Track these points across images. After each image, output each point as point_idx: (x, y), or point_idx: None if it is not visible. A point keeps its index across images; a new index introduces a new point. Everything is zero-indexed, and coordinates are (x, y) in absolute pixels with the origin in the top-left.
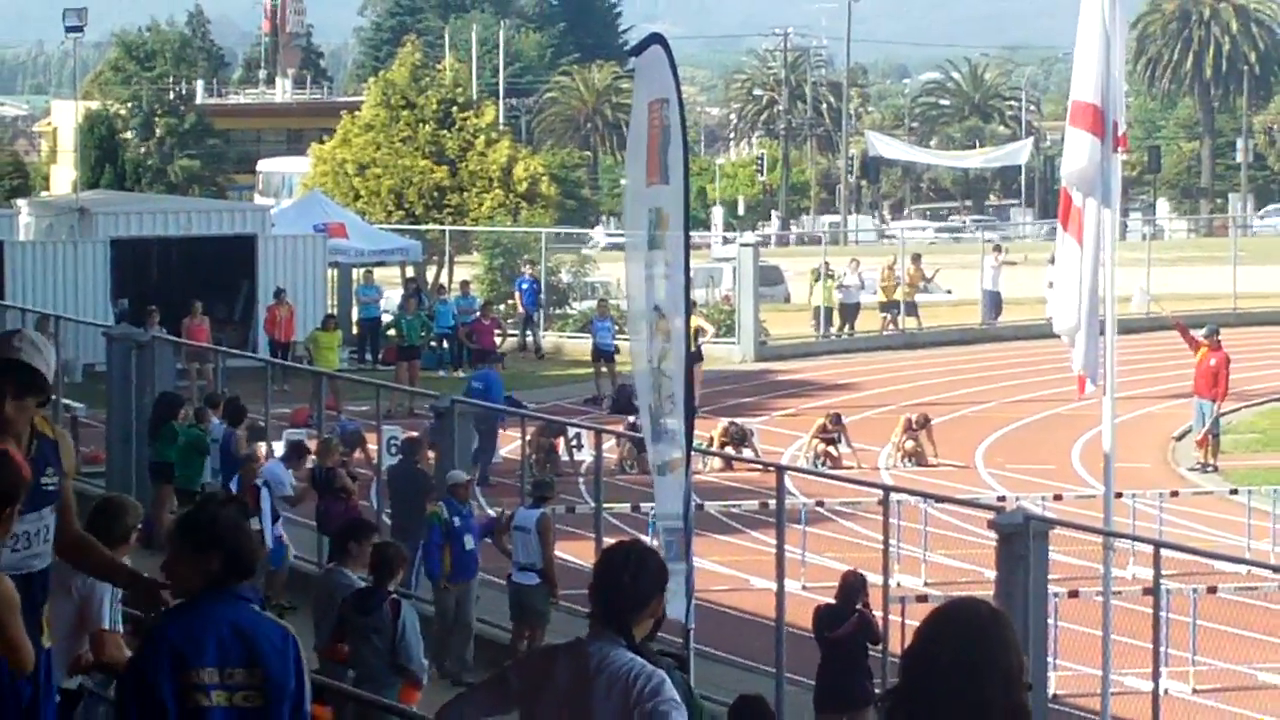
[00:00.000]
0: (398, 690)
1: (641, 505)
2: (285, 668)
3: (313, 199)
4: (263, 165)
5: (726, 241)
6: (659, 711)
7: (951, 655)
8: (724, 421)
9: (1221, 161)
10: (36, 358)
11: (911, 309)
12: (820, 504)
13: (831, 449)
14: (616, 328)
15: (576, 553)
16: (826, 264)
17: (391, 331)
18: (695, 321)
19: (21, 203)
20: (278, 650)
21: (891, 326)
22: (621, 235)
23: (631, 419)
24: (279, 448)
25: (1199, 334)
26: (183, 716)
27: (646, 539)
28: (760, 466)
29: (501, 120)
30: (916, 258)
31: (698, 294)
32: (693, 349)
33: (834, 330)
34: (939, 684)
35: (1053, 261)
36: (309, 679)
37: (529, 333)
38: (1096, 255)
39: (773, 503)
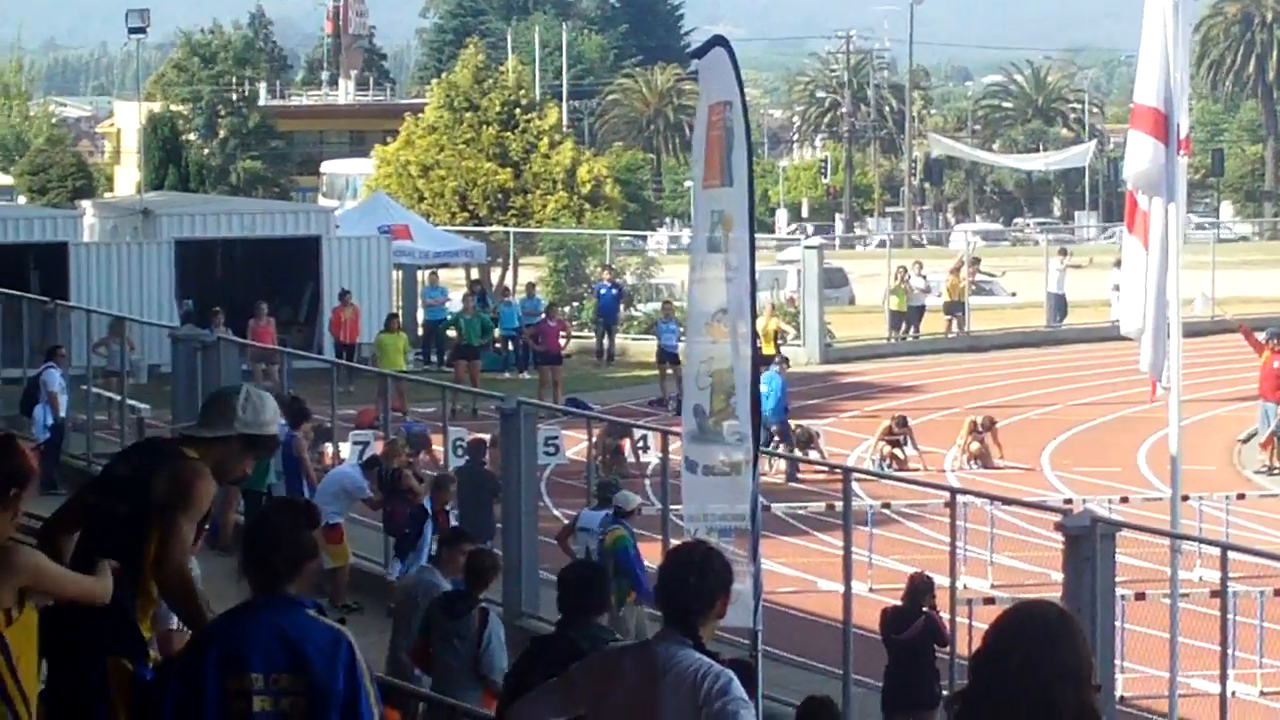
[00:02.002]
0: (478, 696)
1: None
2: (332, 671)
3: (377, 200)
4: (326, 167)
5: (780, 246)
6: (728, 711)
7: (1021, 657)
8: (791, 423)
9: None
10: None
11: (957, 308)
12: (887, 506)
13: (897, 451)
14: (681, 330)
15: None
16: (904, 269)
17: (451, 332)
18: (776, 324)
19: (86, 204)
20: (325, 654)
21: (955, 328)
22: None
23: None
24: (345, 449)
25: (1262, 336)
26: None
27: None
28: (827, 469)
29: (565, 122)
30: (975, 260)
31: (761, 296)
32: (773, 351)
33: (899, 332)
34: (1008, 686)
35: (1118, 264)
36: (368, 682)
37: (606, 338)
38: (1164, 257)
39: (839, 505)
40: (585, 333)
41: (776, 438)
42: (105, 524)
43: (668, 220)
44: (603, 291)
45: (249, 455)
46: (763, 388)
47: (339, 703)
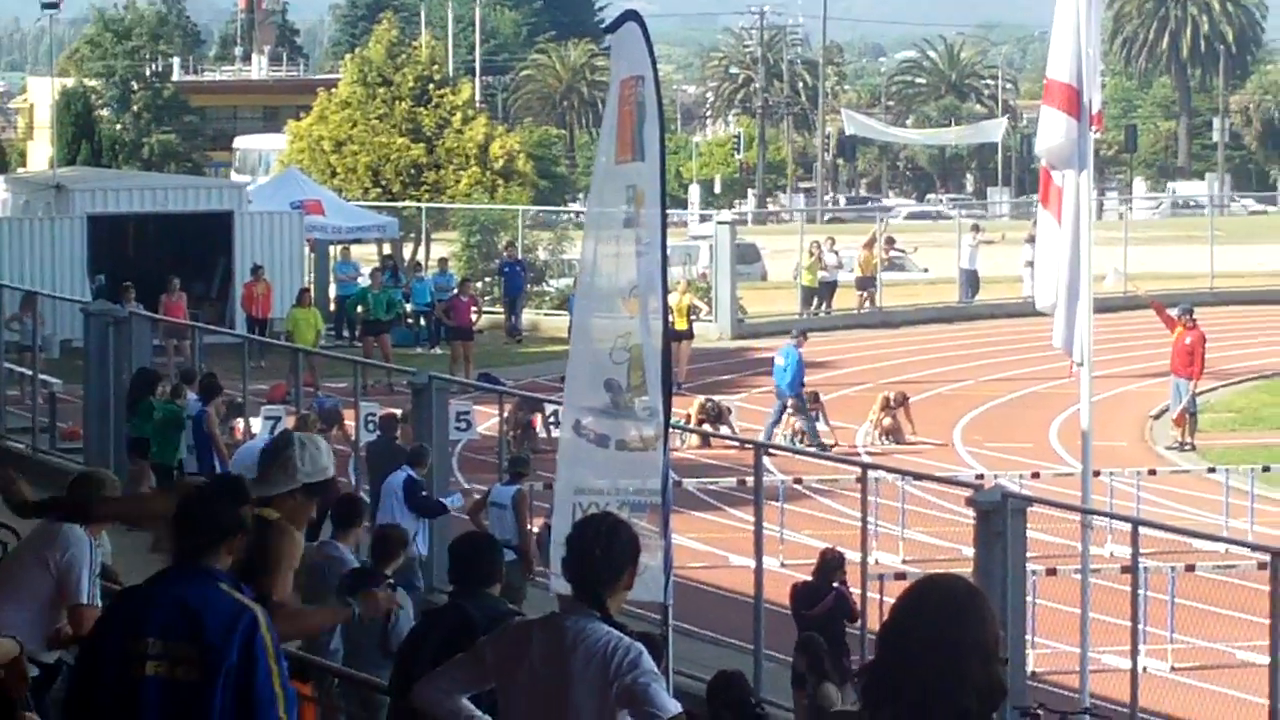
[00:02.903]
0: (388, 672)
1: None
2: (227, 641)
3: (289, 176)
4: (239, 142)
5: (703, 219)
6: (639, 684)
7: (928, 631)
8: (700, 399)
9: (1198, 141)
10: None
11: (869, 283)
12: (798, 481)
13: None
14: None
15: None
16: (817, 244)
17: (359, 308)
18: (689, 299)
19: None
20: (223, 626)
21: (868, 304)
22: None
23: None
24: (256, 424)
25: (1174, 312)
26: (121, 681)
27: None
28: (738, 444)
29: (478, 98)
30: (890, 240)
31: (674, 271)
32: (685, 326)
33: (811, 308)
34: (916, 659)
35: (1030, 240)
36: (272, 660)
37: (513, 316)
38: (1076, 232)
39: (750, 480)
40: (497, 308)
41: (791, 411)
42: None
43: (580, 195)
44: (506, 270)
45: (311, 501)
46: (780, 360)
47: (232, 675)
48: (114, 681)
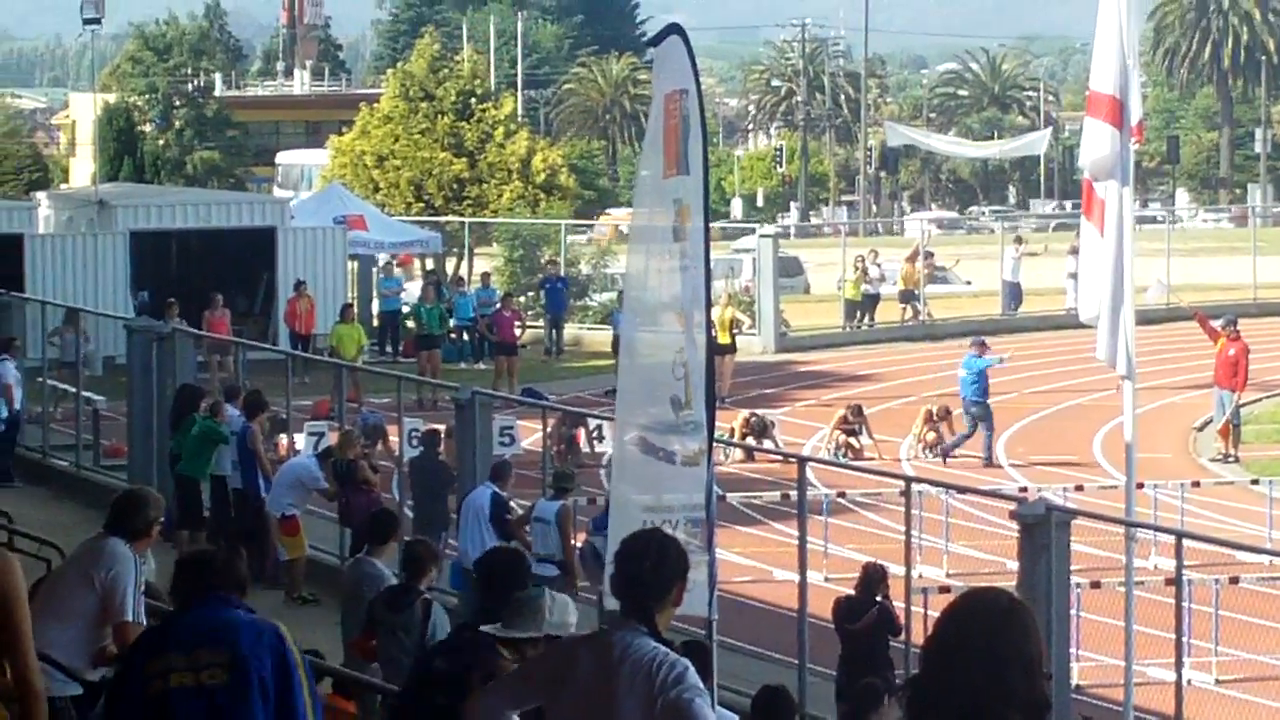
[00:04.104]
0: None
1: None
2: (257, 652)
3: (332, 191)
4: (281, 158)
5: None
6: (683, 699)
7: (972, 645)
8: (745, 413)
9: (1241, 152)
10: None
11: (911, 296)
12: (842, 495)
13: (853, 440)
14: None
15: None
16: (861, 258)
17: (411, 323)
18: (732, 313)
19: (41, 196)
20: (249, 633)
21: (912, 317)
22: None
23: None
24: (300, 440)
25: (1217, 324)
26: (147, 701)
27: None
28: (781, 458)
29: (520, 112)
30: (929, 254)
31: (717, 285)
32: (729, 340)
33: (854, 321)
34: (959, 673)
35: (1073, 252)
36: (301, 671)
37: (553, 333)
38: (1119, 244)
39: (794, 494)
40: (540, 323)
41: (974, 418)
42: (424, 712)
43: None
44: (548, 286)
45: (539, 646)
46: (962, 372)
47: (270, 687)
48: (141, 703)
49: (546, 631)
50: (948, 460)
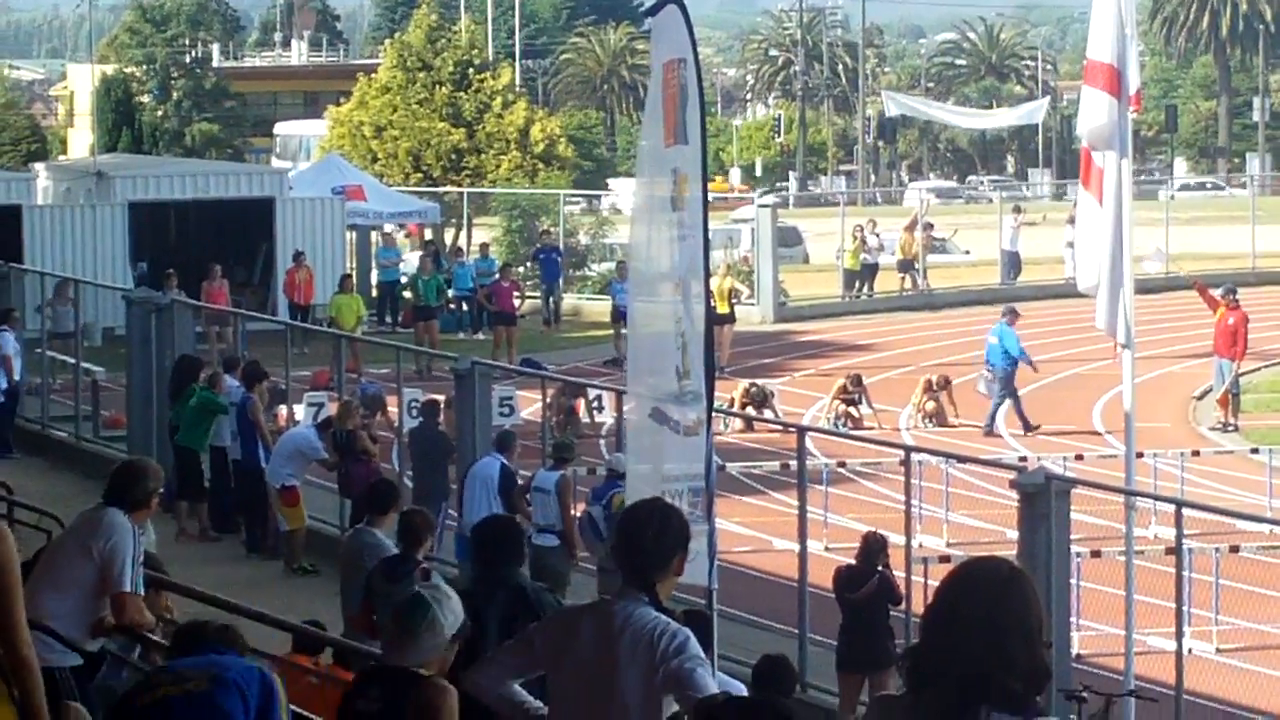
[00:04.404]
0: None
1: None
2: (246, 675)
3: (330, 162)
4: (280, 128)
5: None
6: (685, 668)
7: (972, 613)
8: (744, 383)
9: (1239, 120)
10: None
11: (909, 266)
12: (842, 465)
13: (852, 410)
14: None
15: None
16: (860, 227)
17: (408, 293)
18: (730, 282)
19: (39, 167)
20: (241, 669)
21: (910, 286)
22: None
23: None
24: (299, 411)
25: (1216, 293)
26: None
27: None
28: (781, 427)
29: (518, 82)
30: (928, 225)
31: (715, 255)
32: (727, 310)
33: (853, 291)
34: (960, 642)
35: (1072, 221)
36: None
37: (550, 302)
38: (1118, 213)
39: (794, 464)
40: (538, 293)
41: (992, 379)
42: None
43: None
44: (542, 256)
45: (455, 645)
46: (993, 339)
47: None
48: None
49: (448, 636)
50: (990, 434)
